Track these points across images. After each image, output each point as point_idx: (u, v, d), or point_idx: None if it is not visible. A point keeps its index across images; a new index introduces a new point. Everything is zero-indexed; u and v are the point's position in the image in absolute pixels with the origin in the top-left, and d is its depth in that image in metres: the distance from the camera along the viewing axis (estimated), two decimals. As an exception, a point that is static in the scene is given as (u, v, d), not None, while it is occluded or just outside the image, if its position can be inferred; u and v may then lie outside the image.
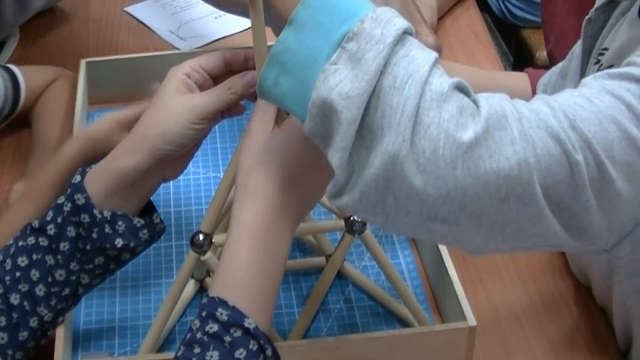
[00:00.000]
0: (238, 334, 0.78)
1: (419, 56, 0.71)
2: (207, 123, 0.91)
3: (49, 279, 0.93)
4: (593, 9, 1.01)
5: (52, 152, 1.27)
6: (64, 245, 0.92)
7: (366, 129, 0.70)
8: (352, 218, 0.98)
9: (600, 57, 0.98)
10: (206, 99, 0.91)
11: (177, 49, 1.55)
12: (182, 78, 0.92)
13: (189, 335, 0.80)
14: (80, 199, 0.91)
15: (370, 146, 0.70)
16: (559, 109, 0.72)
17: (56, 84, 1.38)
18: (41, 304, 0.93)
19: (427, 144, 0.68)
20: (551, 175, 0.71)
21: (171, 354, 0.91)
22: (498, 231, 0.72)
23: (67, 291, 0.94)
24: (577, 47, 1.07)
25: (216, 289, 0.81)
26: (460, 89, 0.72)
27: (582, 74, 1.03)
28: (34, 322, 0.93)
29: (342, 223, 0.99)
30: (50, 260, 0.92)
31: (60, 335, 0.96)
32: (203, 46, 1.56)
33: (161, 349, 1.02)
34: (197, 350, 0.78)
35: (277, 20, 0.96)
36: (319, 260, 1.12)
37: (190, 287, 1.09)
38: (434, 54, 0.72)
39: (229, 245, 0.82)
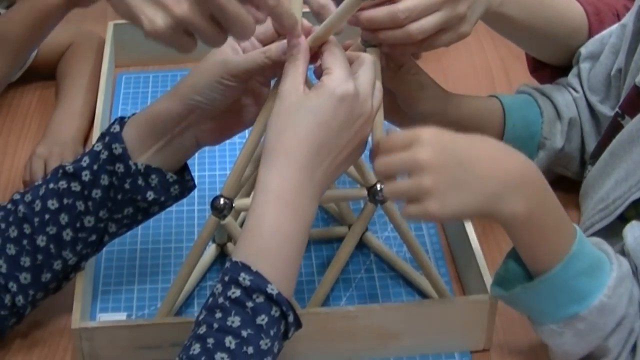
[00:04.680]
0: (260, 299, 0.78)
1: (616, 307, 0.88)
2: (237, 82, 0.90)
3: (77, 225, 0.93)
4: None
5: (76, 114, 1.27)
6: (96, 193, 0.92)
7: None
8: (375, 187, 0.96)
9: None
10: (239, 57, 0.91)
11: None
12: (231, 42, 0.92)
13: (210, 299, 0.79)
14: (117, 149, 0.92)
15: None
16: None
17: (82, 45, 1.38)
18: (67, 248, 0.93)
19: None
20: None
21: (188, 318, 0.92)
22: None
23: (93, 237, 0.94)
24: (629, 23, 1.06)
25: (240, 254, 0.80)
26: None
27: (632, 53, 1.04)
28: (57, 265, 0.94)
29: (364, 192, 0.97)
30: (80, 206, 0.93)
31: (79, 299, 0.96)
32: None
33: (179, 312, 1.02)
34: (218, 315, 0.78)
35: None
36: (342, 229, 1.12)
37: (211, 251, 1.08)
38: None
39: (254, 209, 0.81)
